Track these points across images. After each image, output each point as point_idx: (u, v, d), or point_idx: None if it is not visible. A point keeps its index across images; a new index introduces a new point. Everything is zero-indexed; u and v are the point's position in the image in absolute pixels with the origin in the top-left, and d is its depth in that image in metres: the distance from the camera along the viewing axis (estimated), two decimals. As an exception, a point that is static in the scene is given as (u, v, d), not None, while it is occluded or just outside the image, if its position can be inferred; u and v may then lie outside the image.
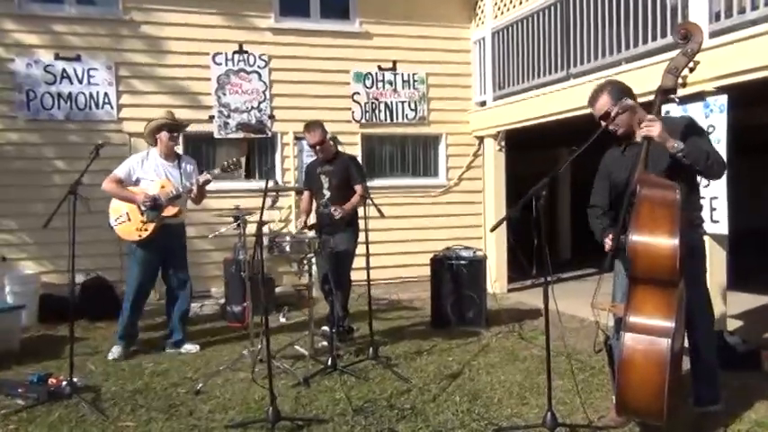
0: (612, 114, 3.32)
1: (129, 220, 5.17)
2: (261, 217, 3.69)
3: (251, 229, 6.23)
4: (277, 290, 7.29)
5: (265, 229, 6.74)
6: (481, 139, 8.61)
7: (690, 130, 3.35)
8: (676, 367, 3.24)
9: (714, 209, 4.93)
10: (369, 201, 4.90)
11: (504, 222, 8.09)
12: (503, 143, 8.26)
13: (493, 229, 3.30)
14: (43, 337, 6.17)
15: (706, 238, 4.96)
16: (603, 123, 3.39)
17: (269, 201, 4.78)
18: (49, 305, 6.76)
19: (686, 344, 3.42)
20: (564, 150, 11.58)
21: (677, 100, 5.22)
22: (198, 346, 5.50)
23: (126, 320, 5.35)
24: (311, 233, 5.03)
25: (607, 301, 3.54)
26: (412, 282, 8.15)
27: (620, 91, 3.43)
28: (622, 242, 3.18)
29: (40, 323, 6.62)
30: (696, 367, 3.47)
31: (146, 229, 5.16)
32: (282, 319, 6.73)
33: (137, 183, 5.24)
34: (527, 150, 9.31)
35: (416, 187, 8.63)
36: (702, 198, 4.99)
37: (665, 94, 3.26)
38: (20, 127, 7.23)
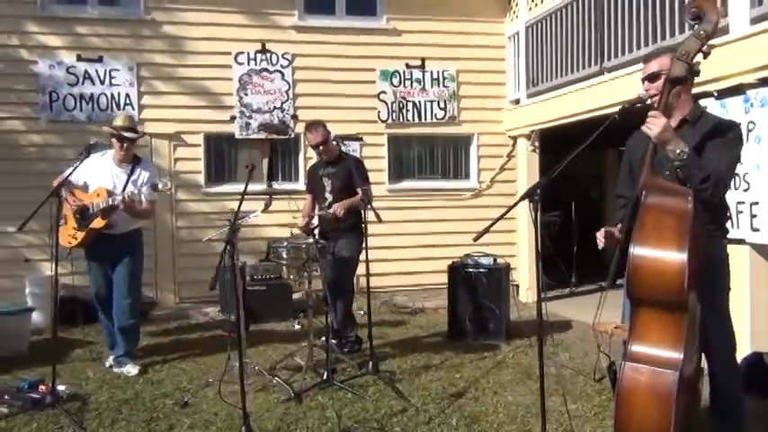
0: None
1: (66, 224, 4.85)
2: (234, 220, 3.42)
3: (246, 233, 6.04)
4: (294, 296, 7.05)
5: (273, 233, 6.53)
6: (515, 139, 8.17)
7: (721, 135, 2.82)
8: (692, 401, 2.80)
9: (755, 215, 4.39)
10: (369, 206, 4.57)
11: (538, 228, 7.80)
12: (536, 143, 7.81)
13: (476, 239, 2.93)
14: (56, 340, 6.10)
15: (745, 248, 4.47)
16: (644, 87, 2.96)
17: (262, 204, 4.52)
18: (66, 307, 6.71)
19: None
20: (611, 150, 10.97)
21: (715, 94, 4.79)
22: (137, 369, 4.95)
23: (104, 330, 5.20)
24: (310, 239, 4.73)
25: (613, 321, 3.13)
26: (440, 289, 7.74)
27: None
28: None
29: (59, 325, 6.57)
30: (713, 399, 3.00)
31: (75, 238, 4.82)
32: (297, 327, 6.49)
33: (87, 186, 4.86)
34: (565, 151, 8.79)
35: (446, 190, 8.24)
36: (742, 203, 4.49)
37: (674, 83, 2.81)
38: (42, 128, 7.24)
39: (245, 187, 3.71)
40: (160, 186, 4.65)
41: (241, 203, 3.64)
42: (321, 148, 5.17)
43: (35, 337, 5.92)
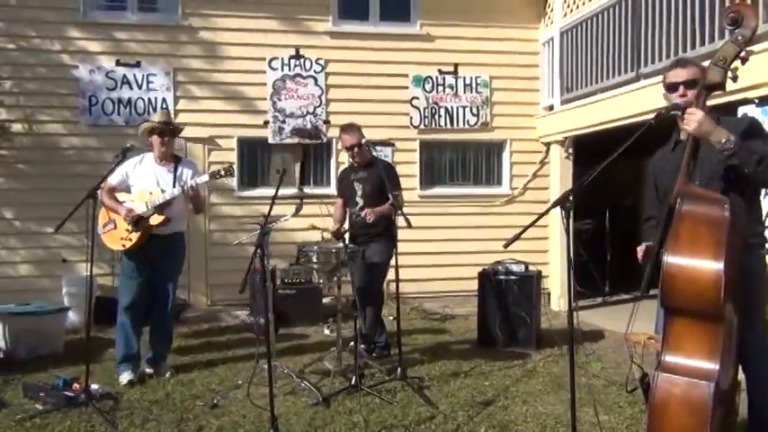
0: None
1: (116, 228, 4.84)
2: (264, 225, 3.44)
3: (277, 237, 6.06)
4: (324, 300, 7.07)
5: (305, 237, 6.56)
6: (548, 145, 8.09)
7: (750, 131, 2.82)
8: (728, 415, 2.73)
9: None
10: (399, 211, 4.56)
11: (571, 236, 7.70)
12: (570, 150, 7.71)
13: (506, 246, 2.89)
14: (91, 340, 6.21)
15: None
16: (679, 93, 2.91)
17: (293, 209, 4.54)
18: (102, 307, 6.83)
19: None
20: (646, 158, 10.77)
21: (756, 101, 4.67)
22: (171, 371, 4.98)
23: (121, 339, 4.89)
24: (339, 243, 4.73)
25: (645, 332, 3.06)
26: (470, 295, 7.69)
27: None
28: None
29: (94, 325, 6.69)
30: (751, 415, 2.91)
31: (130, 239, 4.78)
32: (327, 332, 6.50)
33: (128, 189, 4.87)
34: (599, 158, 8.66)
35: (478, 197, 8.19)
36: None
37: (710, 90, 2.75)
38: (82, 132, 7.41)
39: (276, 191, 3.73)
40: (204, 178, 4.81)
41: (272, 207, 3.65)
42: (355, 150, 5.17)
43: (70, 337, 6.03)
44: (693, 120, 2.66)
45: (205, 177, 4.87)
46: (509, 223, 8.05)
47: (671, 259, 2.57)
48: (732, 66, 2.69)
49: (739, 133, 2.76)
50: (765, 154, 2.69)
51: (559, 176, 7.77)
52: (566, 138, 7.64)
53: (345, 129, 5.26)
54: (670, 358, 2.60)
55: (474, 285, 6.79)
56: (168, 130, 4.92)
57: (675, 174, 2.86)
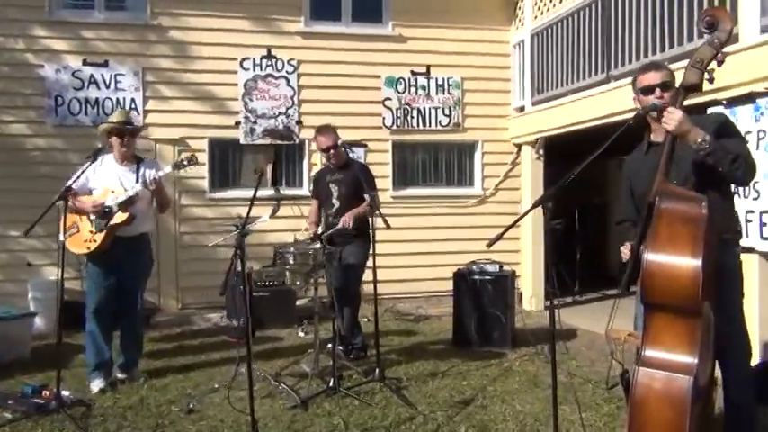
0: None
1: (79, 231, 4.63)
2: (243, 226, 3.40)
3: (250, 239, 5.97)
4: (298, 302, 7.02)
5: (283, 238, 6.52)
6: (519, 146, 8.17)
7: (722, 130, 2.88)
8: (705, 411, 2.78)
9: (764, 224, 4.38)
10: (377, 211, 4.55)
11: (542, 235, 7.78)
12: (541, 151, 7.80)
13: (489, 245, 2.90)
14: (60, 345, 6.07)
15: (755, 257, 4.45)
16: (656, 95, 2.95)
17: (270, 210, 4.50)
18: (69, 312, 6.66)
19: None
20: (614, 158, 10.96)
21: (725, 102, 4.78)
22: (144, 376, 4.87)
23: (92, 347, 4.72)
24: (318, 245, 4.70)
25: (625, 329, 3.11)
26: (443, 296, 7.71)
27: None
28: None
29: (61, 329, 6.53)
30: (727, 410, 2.97)
31: (94, 241, 4.59)
32: (301, 334, 6.46)
33: (89, 193, 4.67)
34: (570, 159, 8.78)
35: (450, 197, 8.23)
36: (751, 212, 4.47)
37: (688, 91, 2.81)
38: (47, 132, 7.24)
39: (255, 192, 3.69)
40: (167, 170, 4.71)
41: (251, 208, 3.61)
42: (331, 152, 5.15)
43: (37, 342, 5.88)
44: (673, 119, 2.71)
45: (167, 169, 4.78)
46: (481, 224, 8.14)
47: (650, 256, 2.61)
48: (708, 68, 2.75)
49: (712, 132, 2.83)
50: (739, 153, 2.76)
51: (531, 177, 7.85)
52: (537, 139, 7.72)
53: (321, 130, 5.24)
54: (650, 353, 2.64)
55: (447, 286, 6.82)
56: (127, 131, 4.76)
57: (652, 176, 2.90)
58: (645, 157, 3.10)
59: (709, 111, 4.88)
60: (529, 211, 3.02)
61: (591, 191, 10.80)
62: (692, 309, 2.55)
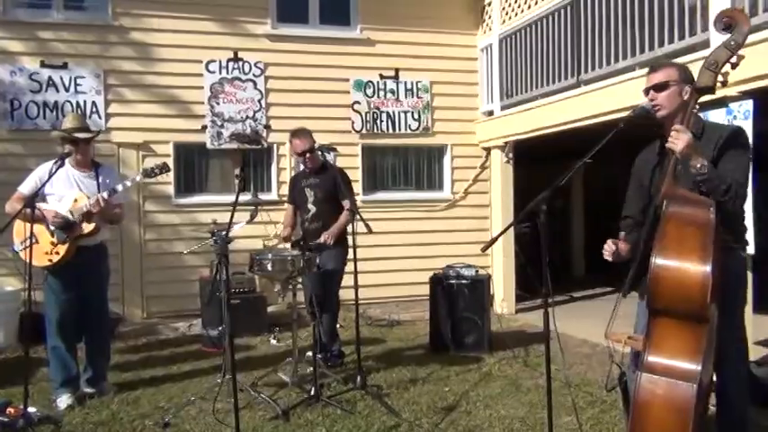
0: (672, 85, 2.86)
1: (38, 242, 4.23)
2: (227, 231, 3.29)
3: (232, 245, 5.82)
4: (269, 309, 6.88)
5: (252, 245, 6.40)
6: (488, 150, 8.19)
7: (730, 144, 2.83)
8: (703, 408, 2.78)
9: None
10: (357, 215, 4.47)
11: (513, 239, 7.82)
12: (510, 155, 7.83)
13: (485, 249, 2.87)
14: (19, 359, 5.80)
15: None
16: (649, 97, 2.93)
17: (247, 215, 4.37)
18: (29, 323, 6.38)
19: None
20: (576, 162, 11.10)
21: (697, 107, 4.84)
22: (114, 389, 4.71)
23: (57, 363, 4.48)
24: (295, 251, 4.60)
25: (625, 331, 3.09)
26: (415, 301, 7.69)
27: (687, 73, 2.98)
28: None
29: (19, 343, 6.25)
30: (721, 412, 2.98)
31: (57, 252, 4.34)
32: (273, 341, 6.33)
33: (44, 199, 4.36)
34: (539, 163, 8.86)
35: (420, 201, 8.20)
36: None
37: (701, 93, 2.80)
38: (3, 137, 6.93)
39: (237, 197, 3.57)
40: (134, 179, 4.58)
41: (233, 214, 3.50)
42: (307, 156, 5.05)
43: (-6, 357, 5.63)
44: (681, 141, 2.67)
45: (137, 177, 4.61)
46: (450, 227, 8.16)
47: (658, 261, 2.58)
48: (722, 70, 2.75)
49: (722, 139, 2.82)
50: (732, 184, 2.69)
51: (501, 181, 7.87)
52: (506, 143, 7.75)
53: (296, 134, 5.13)
54: (653, 358, 2.62)
55: (418, 290, 6.79)
56: (80, 139, 4.50)
57: (661, 177, 2.87)
58: (656, 158, 3.07)
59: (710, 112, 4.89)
60: (522, 217, 2.98)
61: (554, 194, 10.94)
62: (699, 315, 2.54)
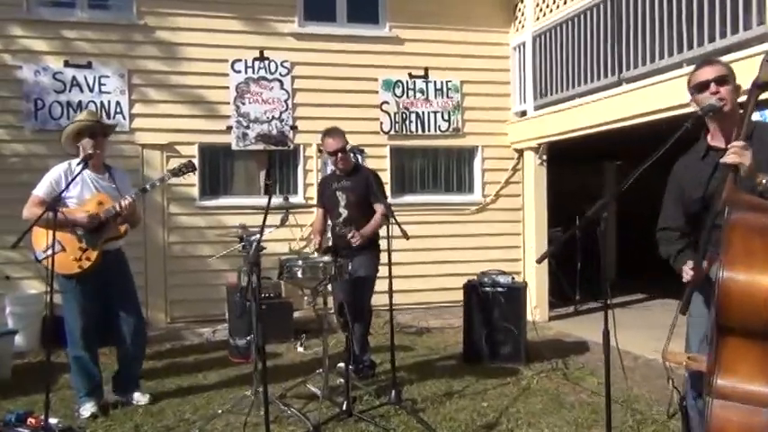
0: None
1: (64, 249, 4.08)
2: (260, 238, 3.09)
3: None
4: (295, 315, 6.68)
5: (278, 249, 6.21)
6: (521, 152, 7.92)
7: None
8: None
9: None
10: (392, 220, 4.24)
11: (547, 244, 7.55)
12: (544, 157, 7.55)
13: (540, 261, 2.64)
14: (41, 364, 5.64)
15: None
16: (712, 90, 2.71)
17: (278, 219, 4.17)
18: (50, 328, 6.26)
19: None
20: (608, 163, 10.81)
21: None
22: (149, 396, 4.53)
23: (81, 372, 4.31)
24: (326, 257, 4.38)
25: (682, 352, 2.85)
26: (444, 307, 7.47)
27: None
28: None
29: (42, 347, 6.13)
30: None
31: (88, 258, 4.14)
32: (300, 349, 6.13)
33: (63, 203, 4.09)
34: (570, 164, 8.57)
35: (449, 204, 7.95)
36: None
37: (762, 89, 2.56)
38: (27, 138, 6.82)
39: (269, 201, 3.37)
40: (163, 179, 4.48)
41: (265, 220, 3.29)
42: (339, 155, 4.82)
43: (17, 362, 5.49)
44: (743, 159, 2.46)
45: (166, 176, 4.46)
46: (481, 231, 7.90)
47: (727, 274, 2.34)
48: None
49: None
50: None
51: (533, 183, 7.59)
52: (540, 144, 7.48)
53: (329, 133, 4.91)
54: (724, 382, 2.37)
55: (447, 296, 6.54)
56: (100, 130, 4.33)
57: (709, 183, 2.68)
58: (701, 163, 2.84)
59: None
60: (584, 223, 2.73)
61: (588, 197, 10.64)
62: (774, 332, 2.30)
